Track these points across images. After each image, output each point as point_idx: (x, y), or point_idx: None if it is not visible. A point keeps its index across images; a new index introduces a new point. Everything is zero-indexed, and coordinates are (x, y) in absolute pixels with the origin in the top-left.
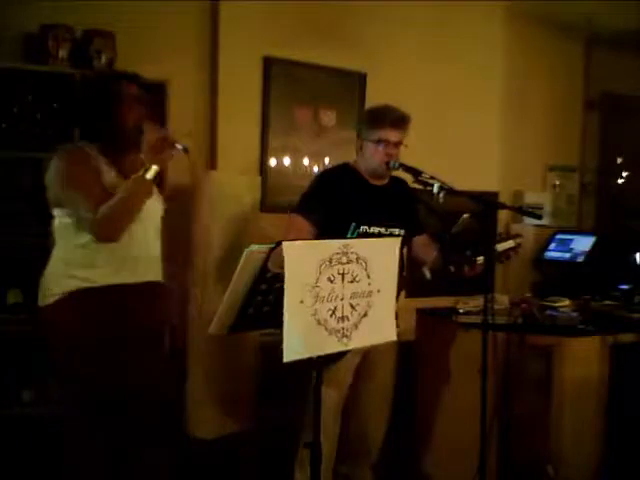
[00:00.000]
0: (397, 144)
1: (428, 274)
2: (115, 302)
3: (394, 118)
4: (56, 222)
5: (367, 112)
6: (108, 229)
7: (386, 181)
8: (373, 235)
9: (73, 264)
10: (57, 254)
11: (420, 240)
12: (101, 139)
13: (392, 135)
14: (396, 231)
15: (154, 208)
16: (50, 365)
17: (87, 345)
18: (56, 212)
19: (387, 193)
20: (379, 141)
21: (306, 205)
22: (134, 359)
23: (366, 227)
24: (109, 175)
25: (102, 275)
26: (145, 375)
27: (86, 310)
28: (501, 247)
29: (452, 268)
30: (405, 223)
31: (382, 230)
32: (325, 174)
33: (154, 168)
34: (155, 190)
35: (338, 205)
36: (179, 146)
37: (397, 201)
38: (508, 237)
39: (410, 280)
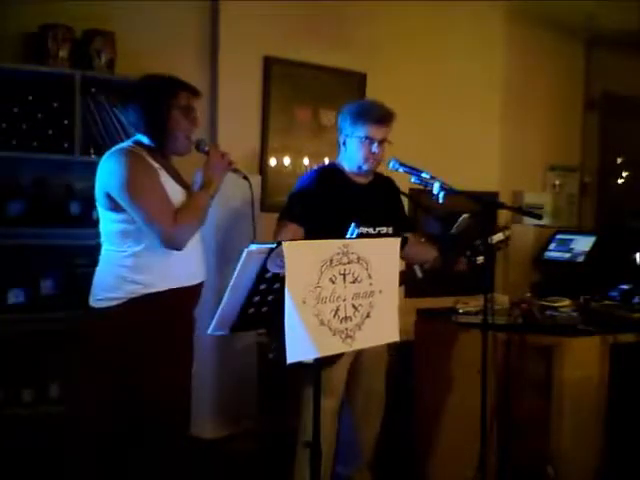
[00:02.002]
0: (382, 141)
1: (419, 273)
2: (173, 305)
3: (379, 115)
4: (108, 226)
5: (349, 108)
6: (181, 240)
7: (371, 178)
8: (361, 235)
9: (132, 269)
10: (111, 258)
11: (409, 239)
12: (152, 142)
13: (377, 132)
14: (384, 230)
15: None
16: (81, 365)
17: (144, 348)
18: (109, 216)
19: (373, 191)
20: (364, 138)
21: (292, 209)
22: (179, 360)
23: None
24: (164, 178)
25: (161, 279)
26: (183, 374)
27: (149, 315)
28: (493, 240)
29: (452, 267)
30: (393, 221)
31: (370, 230)
32: (309, 176)
33: (215, 186)
34: None
35: (326, 206)
36: (241, 173)
37: (383, 199)
38: (498, 230)
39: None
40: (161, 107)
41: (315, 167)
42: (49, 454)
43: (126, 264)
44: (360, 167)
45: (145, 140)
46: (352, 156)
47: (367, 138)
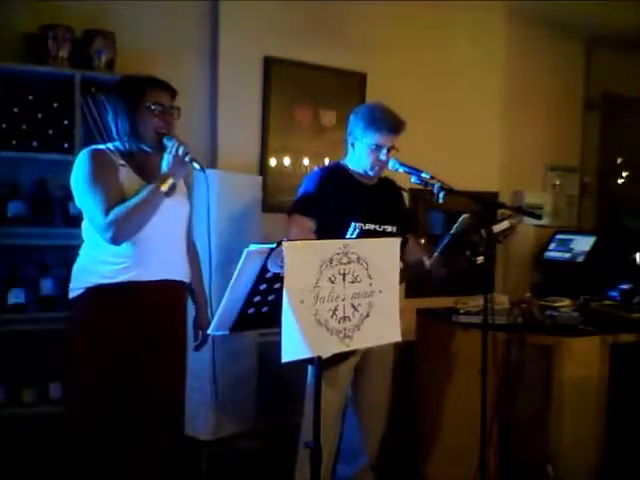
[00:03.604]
0: (390, 149)
1: (428, 265)
2: (131, 300)
3: (393, 125)
4: (84, 221)
5: (363, 113)
6: (116, 234)
7: (375, 180)
8: (368, 232)
9: (96, 260)
10: (84, 249)
11: (410, 241)
12: (119, 141)
13: (387, 141)
14: (389, 228)
15: (181, 208)
16: (60, 360)
17: (99, 343)
18: (82, 211)
19: (377, 192)
20: (374, 146)
21: (303, 204)
22: (145, 358)
23: (361, 224)
24: (125, 172)
25: (121, 272)
26: (154, 375)
27: (102, 307)
28: (497, 228)
29: (452, 268)
30: (396, 221)
31: (376, 227)
32: (318, 173)
33: (170, 181)
34: (183, 191)
35: (333, 204)
36: (197, 165)
37: (387, 200)
38: (504, 218)
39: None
40: (126, 106)
41: (321, 167)
42: (49, 454)
43: (90, 255)
44: (366, 172)
45: (114, 138)
46: (360, 160)
47: (377, 146)
